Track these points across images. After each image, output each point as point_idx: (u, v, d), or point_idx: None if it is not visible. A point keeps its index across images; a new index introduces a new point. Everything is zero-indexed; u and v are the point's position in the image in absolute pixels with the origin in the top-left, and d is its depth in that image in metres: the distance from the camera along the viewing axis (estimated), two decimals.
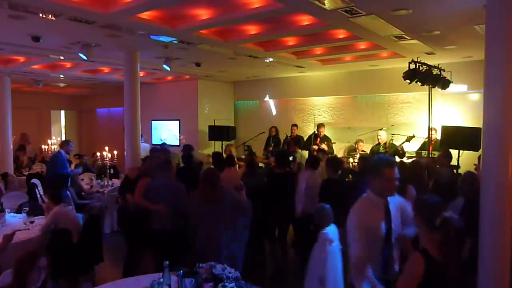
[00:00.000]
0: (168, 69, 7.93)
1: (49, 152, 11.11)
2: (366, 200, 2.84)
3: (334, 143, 8.92)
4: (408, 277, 2.33)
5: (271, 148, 9.32)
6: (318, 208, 4.14)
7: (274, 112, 11.46)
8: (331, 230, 3.94)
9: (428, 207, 2.42)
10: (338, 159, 5.49)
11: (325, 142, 8.72)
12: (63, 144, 7.45)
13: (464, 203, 4.24)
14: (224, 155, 6.94)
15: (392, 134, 8.37)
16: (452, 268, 2.30)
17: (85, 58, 6.60)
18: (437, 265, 2.28)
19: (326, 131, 9.21)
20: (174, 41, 6.41)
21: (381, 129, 8.42)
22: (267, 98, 11.52)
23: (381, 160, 2.91)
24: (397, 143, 8.04)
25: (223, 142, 9.90)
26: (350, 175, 6.82)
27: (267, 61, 8.14)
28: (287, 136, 9.41)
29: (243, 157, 8.62)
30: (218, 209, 3.86)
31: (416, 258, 2.32)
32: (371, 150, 8.29)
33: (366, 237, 2.68)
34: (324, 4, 4.40)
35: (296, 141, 8.17)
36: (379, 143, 8.17)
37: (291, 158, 6.38)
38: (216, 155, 6.72)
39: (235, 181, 5.97)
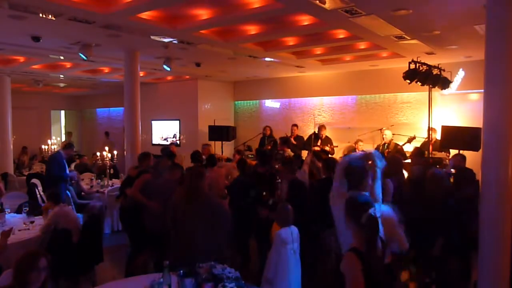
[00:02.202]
0: (168, 69, 7.93)
1: (49, 152, 11.11)
2: None
3: (336, 146, 8.86)
4: (353, 281, 2.27)
5: (269, 147, 9.29)
6: (281, 207, 4.07)
7: (274, 112, 11.47)
8: (289, 232, 3.89)
9: (355, 205, 2.47)
10: (334, 160, 5.51)
11: (328, 145, 8.66)
12: (66, 147, 7.29)
13: (432, 202, 4.30)
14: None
15: (393, 134, 8.36)
16: (376, 264, 2.34)
17: (85, 58, 6.60)
18: (367, 261, 2.30)
19: (326, 131, 9.19)
20: (174, 41, 6.41)
21: (385, 128, 8.39)
22: (268, 101, 11.52)
23: None
24: (400, 143, 8.04)
25: (223, 142, 9.92)
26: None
27: (267, 60, 8.13)
28: (287, 136, 9.38)
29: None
30: (198, 212, 3.63)
31: (352, 258, 2.30)
32: (376, 148, 8.25)
33: None
34: (324, 4, 4.41)
35: (284, 141, 8.06)
36: (384, 143, 8.14)
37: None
38: (194, 154, 6.72)
39: (218, 182, 5.96)
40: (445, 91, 7.91)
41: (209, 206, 3.65)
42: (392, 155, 6.02)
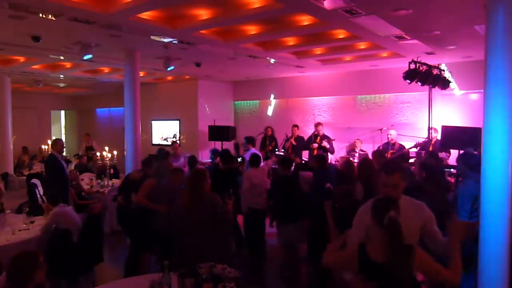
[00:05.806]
0: (168, 69, 7.93)
1: (49, 152, 11.09)
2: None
3: (334, 139, 8.92)
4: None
5: (270, 148, 9.32)
6: None
7: (274, 112, 11.47)
8: None
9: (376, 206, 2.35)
10: (289, 158, 5.62)
11: (325, 140, 8.73)
12: (53, 144, 6.99)
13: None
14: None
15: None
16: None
17: (90, 56, 6.61)
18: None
19: (326, 131, 9.19)
20: (174, 41, 6.41)
21: (385, 128, 8.40)
22: (272, 98, 11.52)
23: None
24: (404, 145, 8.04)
25: (223, 142, 9.92)
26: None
27: (268, 59, 8.13)
28: (287, 136, 9.40)
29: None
30: (204, 217, 3.59)
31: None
32: (378, 148, 8.19)
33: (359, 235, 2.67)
34: (324, 4, 4.41)
35: (249, 140, 7.98)
36: (387, 142, 8.10)
37: (239, 160, 6.97)
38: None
39: None
40: (454, 91, 7.92)
41: (213, 209, 3.61)
42: (364, 159, 5.76)
